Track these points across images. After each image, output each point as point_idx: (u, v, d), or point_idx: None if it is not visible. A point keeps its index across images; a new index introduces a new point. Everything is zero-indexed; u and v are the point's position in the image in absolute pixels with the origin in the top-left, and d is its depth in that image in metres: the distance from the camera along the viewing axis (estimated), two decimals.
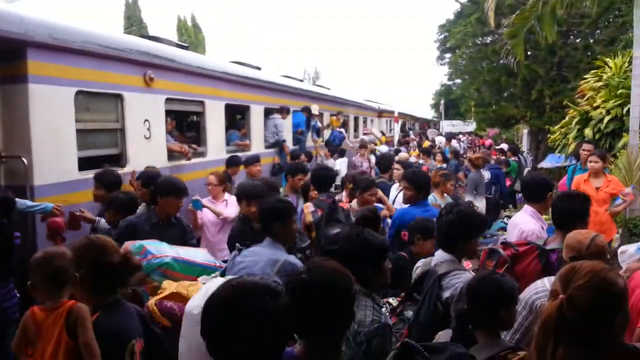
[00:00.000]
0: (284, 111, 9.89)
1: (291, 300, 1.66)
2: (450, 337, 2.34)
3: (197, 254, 3.61)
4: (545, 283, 2.61)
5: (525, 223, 3.80)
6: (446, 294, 2.73)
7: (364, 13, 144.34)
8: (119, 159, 5.59)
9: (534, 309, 2.52)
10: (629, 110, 7.55)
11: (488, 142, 20.54)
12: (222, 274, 3.17)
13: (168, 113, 6.57)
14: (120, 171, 5.37)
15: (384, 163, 7.64)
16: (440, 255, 2.94)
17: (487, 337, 2.21)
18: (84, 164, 5.02)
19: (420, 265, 3.16)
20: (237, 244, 3.41)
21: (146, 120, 5.91)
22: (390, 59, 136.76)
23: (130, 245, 3.33)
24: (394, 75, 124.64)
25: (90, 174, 4.86)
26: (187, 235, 4.20)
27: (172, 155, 6.45)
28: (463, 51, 22.14)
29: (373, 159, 11.59)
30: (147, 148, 5.92)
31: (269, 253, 3.12)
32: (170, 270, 3.19)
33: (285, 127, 9.99)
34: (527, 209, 3.95)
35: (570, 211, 3.21)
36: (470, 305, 2.27)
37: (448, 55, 33.04)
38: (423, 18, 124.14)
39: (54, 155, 4.61)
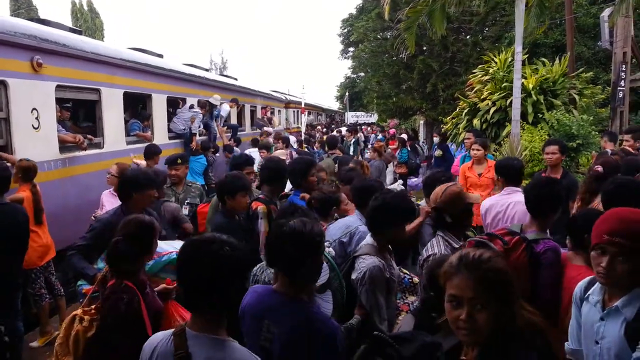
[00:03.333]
0: (206, 106, 9.79)
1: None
2: (414, 324, 2.33)
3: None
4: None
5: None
6: (353, 276, 2.92)
7: (272, 5, 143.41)
8: (4, 151, 5.16)
9: None
10: (511, 101, 8.28)
11: (392, 131, 21.32)
12: None
13: (59, 101, 6.15)
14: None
15: (332, 142, 9.27)
16: (367, 239, 3.11)
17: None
18: None
19: None
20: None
21: (34, 109, 5.49)
22: (297, 52, 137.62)
23: None
24: (301, 68, 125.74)
25: None
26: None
27: (64, 146, 6.06)
28: (365, 45, 22.76)
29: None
30: (35, 139, 5.52)
31: (349, 221, 3.69)
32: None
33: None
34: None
35: (543, 198, 3.17)
36: (431, 290, 2.22)
37: (351, 49, 33.89)
38: (328, 13, 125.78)
39: None
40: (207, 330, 1.79)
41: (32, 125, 5.48)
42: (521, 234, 3.13)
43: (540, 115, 8.68)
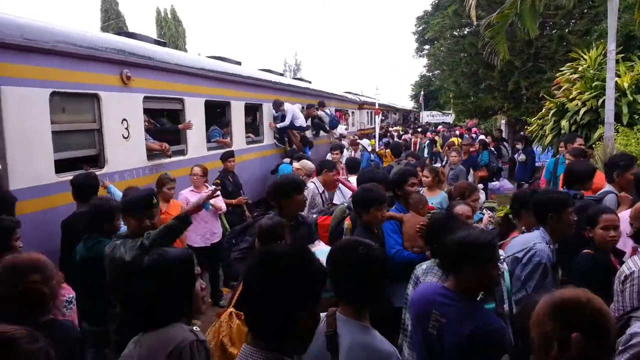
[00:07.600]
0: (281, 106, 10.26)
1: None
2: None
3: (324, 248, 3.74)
4: None
5: None
6: None
7: (343, 5, 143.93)
8: (97, 160, 5.50)
9: None
10: (604, 102, 7.66)
11: (474, 130, 20.51)
12: None
13: (147, 111, 6.48)
14: (99, 172, 5.29)
15: (397, 149, 9.81)
16: None
17: None
18: (61, 166, 4.94)
19: None
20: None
21: (124, 119, 5.82)
22: (371, 51, 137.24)
23: None
24: (374, 67, 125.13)
25: (68, 177, 4.77)
26: (313, 233, 4.22)
27: (152, 154, 6.38)
28: (441, 43, 22.14)
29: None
30: (126, 148, 5.84)
31: (529, 237, 3.43)
32: None
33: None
34: None
35: None
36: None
37: (427, 47, 33.18)
38: (402, 11, 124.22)
39: (30, 159, 4.50)
40: (354, 317, 2.13)
41: (123, 135, 5.80)
42: None
43: (637, 117, 7.99)
